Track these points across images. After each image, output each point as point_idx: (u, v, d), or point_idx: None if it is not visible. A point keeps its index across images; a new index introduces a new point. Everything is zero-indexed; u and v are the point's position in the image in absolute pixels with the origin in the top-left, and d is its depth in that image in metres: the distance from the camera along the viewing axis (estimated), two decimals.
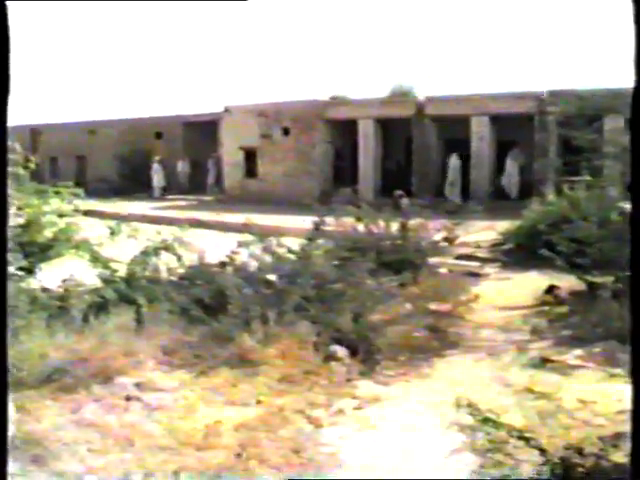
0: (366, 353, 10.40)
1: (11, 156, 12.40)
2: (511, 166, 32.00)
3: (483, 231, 19.54)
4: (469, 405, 6.76)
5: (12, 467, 6.74)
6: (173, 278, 12.41)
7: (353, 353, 10.35)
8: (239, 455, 7.26)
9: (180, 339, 10.50)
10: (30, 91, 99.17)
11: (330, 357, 10.16)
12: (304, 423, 8.15)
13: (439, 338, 11.21)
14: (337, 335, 10.68)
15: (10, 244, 11.08)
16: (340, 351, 10.29)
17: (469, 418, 6.80)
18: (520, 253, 17.59)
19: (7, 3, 4.70)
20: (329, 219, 14.29)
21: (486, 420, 6.59)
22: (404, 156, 35.07)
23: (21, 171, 12.41)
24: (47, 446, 7.26)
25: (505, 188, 31.82)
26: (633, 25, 4.59)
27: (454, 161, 32.93)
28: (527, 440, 6.37)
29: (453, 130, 33.14)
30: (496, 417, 6.60)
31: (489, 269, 17.21)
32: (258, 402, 8.70)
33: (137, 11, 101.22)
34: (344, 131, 36.08)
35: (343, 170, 36.26)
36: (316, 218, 13.96)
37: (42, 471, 6.86)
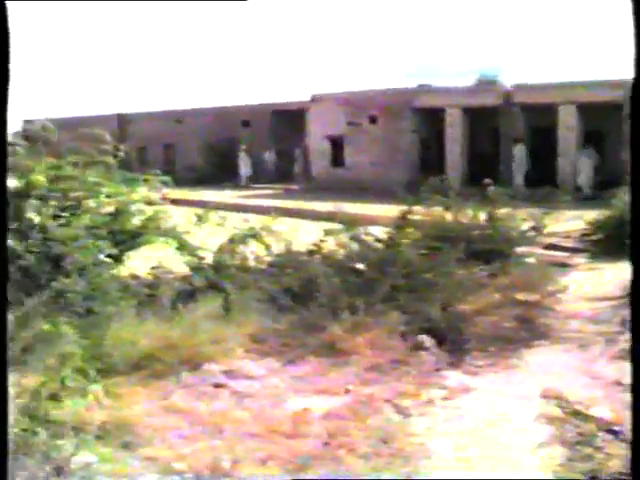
0: (455, 343, 10.35)
1: (101, 145, 12.60)
2: (585, 164, 31.51)
3: (572, 221, 19.29)
4: (557, 397, 6.70)
5: (103, 452, 6.89)
6: (261, 266, 12.47)
7: (442, 343, 10.31)
8: (327, 444, 7.27)
9: (268, 327, 10.56)
10: (119, 81, 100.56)
11: (419, 347, 10.13)
12: (392, 413, 8.14)
13: (528, 329, 11.09)
14: (426, 325, 10.65)
15: (100, 232, 11.27)
16: (429, 341, 10.26)
17: (558, 410, 6.73)
18: (609, 243, 17.30)
19: (7, 3, 4.74)
20: (417, 208, 14.21)
21: (575, 413, 6.52)
22: (491, 145, 34.74)
23: (110, 160, 12.59)
24: (137, 432, 7.36)
25: (580, 185, 31.38)
26: (633, 25, 4.52)
27: (519, 149, 32.66)
28: (616, 433, 6.28)
29: (540, 119, 32.73)
30: (585, 409, 6.52)
31: (578, 259, 16.99)
32: (347, 391, 8.72)
33: None
34: (431, 120, 35.86)
35: (430, 159, 36.03)
36: (404, 207, 13.90)
37: (132, 457, 6.95)
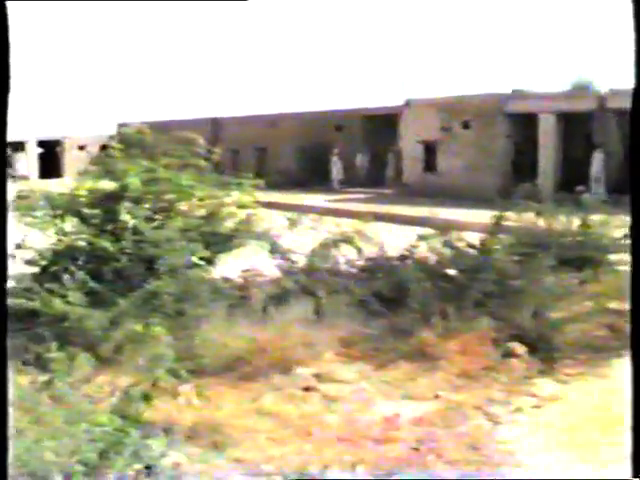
0: (545, 351, 10.23)
1: (194, 148, 12.72)
2: None
3: None
4: None
5: (192, 452, 6.95)
6: (353, 270, 12.46)
7: (532, 350, 10.19)
8: (416, 449, 7.24)
9: (359, 331, 10.56)
10: (213, 84, 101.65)
11: (509, 354, 10.04)
12: (482, 420, 8.08)
13: (619, 338, 10.87)
14: (516, 332, 10.54)
15: (192, 234, 11.38)
16: (519, 348, 10.16)
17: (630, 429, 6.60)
18: None
19: (7, 3, 4.76)
20: (509, 214, 14.07)
21: None
22: (584, 151, 34.26)
23: (203, 163, 12.70)
24: (226, 433, 7.41)
25: None
26: (633, 25, 4.42)
27: (597, 156, 32.14)
28: None
29: None
30: None
31: None
32: (436, 397, 8.68)
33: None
34: (524, 125, 35.47)
35: (523, 165, 35.65)
36: (496, 212, 13.78)
37: (221, 457, 7.01)
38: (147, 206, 11.91)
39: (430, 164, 38.74)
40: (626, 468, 6.75)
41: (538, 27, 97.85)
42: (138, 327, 8.93)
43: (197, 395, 7.90)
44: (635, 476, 4.53)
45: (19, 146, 53.50)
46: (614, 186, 31.10)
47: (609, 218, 15.06)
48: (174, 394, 7.20)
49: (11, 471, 5.53)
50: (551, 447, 7.43)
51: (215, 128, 50.73)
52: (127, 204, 11.71)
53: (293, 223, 12.86)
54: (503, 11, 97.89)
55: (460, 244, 12.92)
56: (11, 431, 5.88)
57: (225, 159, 45.11)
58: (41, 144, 54.45)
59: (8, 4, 4.84)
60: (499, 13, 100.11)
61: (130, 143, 12.96)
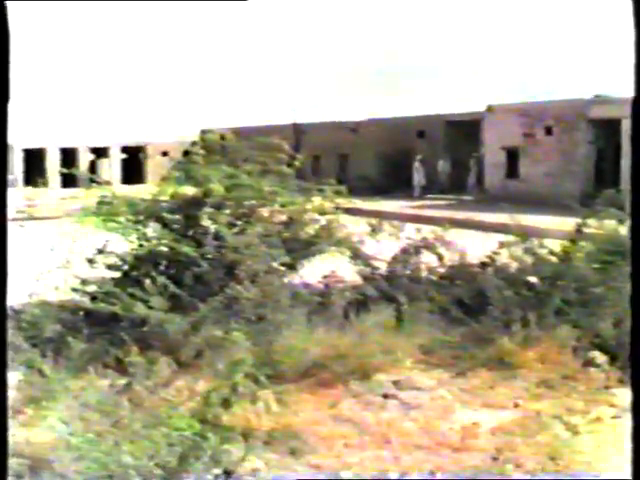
0: (626, 360, 10.04)
1: (277, 154, 12.75)
2: None
3: None
4: None
5: (270, 458, 6.95)
6: (433, 277, 12.38)
7: (612, 360, 10.01)
8: (495, 458, 7.16)
9: (439, 339, 10.50)
10: (296, 90, 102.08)
11: (589, 363, 9.89)
12: (561, 429, 7.96)
13: None
14: (597, 341, 10.39)
15: (273, 240, 11.41)
16: (599, 357, 10.00)
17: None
18: None
19: (7, 3, 4.76)
20: (591, 221, 13.86)
21: None
22: None
23: (286, 169, 12.72)
24: (304, 439, 7.40)
25: None
26: (633, 25, 4.30)
27: None
28: None
29: None
30: None
31: None
32: (515, 405, 8.59)
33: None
34: (607, 131, 35.04)
35: (605, 171, 35.20)
36: (577, 220, 13.58)
37: (299, 463, 7.00)
38: (228, 212, 11.98)
39: (512, 170, 38.47)
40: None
41: (621, 30, 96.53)
42: (218, 332, 8.99)
43: (276, 401, 7.90)
44: (635, 476, 4.44)
45: (102, 152, 54.34)
46: None
47: None
48: (253, 400, 7.20)
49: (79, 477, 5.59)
50: (630, 458, 7.29)
51: (297, 134, 50.89)
52: (208, 210, 11.80)
53: (374, 229, 12.82)
54: (585, 15, 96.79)
55: (541, 251, 12.75)
56: (90, 435, 5.95)
57: (307, 165, 45.33)
58: (124, 150, 55.16)
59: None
60: (581, 17, 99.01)
61: (212, 149, 13.05)
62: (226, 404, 6.65)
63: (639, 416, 4.45)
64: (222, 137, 14.59)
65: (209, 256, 11.03)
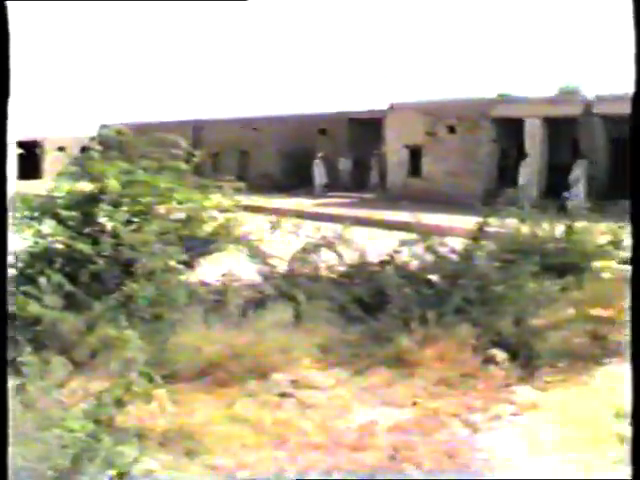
0: (525, 358, 10.25)
1: (174, 151, 12.72)
2: None
3: None
4: (629, 416, 6.56)
5: (165, 459, 6.94)
6: (333, 276, 12.46)
7: (512, 357, 10.22)
8: (393, 457, 7.25)
9: (338, 337, 10.56)
10: (196, 86, 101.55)
11: (489, 361, 10.07)
12: (460, 427, 8.09)
13: (600, 346, 10.91)
14: (497, 339, 10.58)
15: (171, 237, 11.37)
16: (499, 355, 10.19)
17: (629, 430, 6.61)
18: None
19: (7, 3, 4.78)
20: (493, 220, 14.10)
21: None
22: (570, 156, 34.32)
23: (183, 166, 12.69)
24: (200, 439, 7.40)
25: None
26: (633, 25, 4.51)
27: (579, 162, 32.48)
28: None
29: (622, 130, 32.33)
30: None
31: None
32: (414, 404, 8.70)
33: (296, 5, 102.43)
34: (510, 130, 35.57)
35: (508, 170, 35.73)
36: (479, 219, 13.80)
37: (194, 464, 7.00)
38: (125, 209, 11.89)
39: (414, 169, 38.81)
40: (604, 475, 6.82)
41: (524, 31, 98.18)
42: (112, 331, 8.93)
43: (171, 401, 7.89)
44: (635, 476, 4.58)
45: None
46: (600, 192, 31.21)
47: (593, 225, 15.10)
48: (147, 400, 7.18)
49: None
50: (528, 456, 7.45)
51: (196, 131, 50.69)
52: (105, 206, 11.70)
53: (274, 227, 12.87)
54: (490, 14, 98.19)
55: (442, 250, 12.94)
56: None
57: (206, 162, 45.14)
58: (20, 145, 54.26)
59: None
60: (486, 16, 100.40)
61: (110, 145, 12.95)
62: (120, 404, 6.62)
63: (639, 416, 4.55)
64: (119, 132, 14.48)
65: (105, 254, 10.94)
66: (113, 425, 6.58)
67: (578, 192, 31.46)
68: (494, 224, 14.07)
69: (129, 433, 6.71)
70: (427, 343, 10.20)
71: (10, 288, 10.15)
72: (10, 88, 4.95)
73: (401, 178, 39.26)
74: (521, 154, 33.53)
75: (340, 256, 12.58)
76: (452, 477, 7.08)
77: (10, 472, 5.26)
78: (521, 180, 33.24)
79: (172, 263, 11.14)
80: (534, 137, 34.20)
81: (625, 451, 7.00)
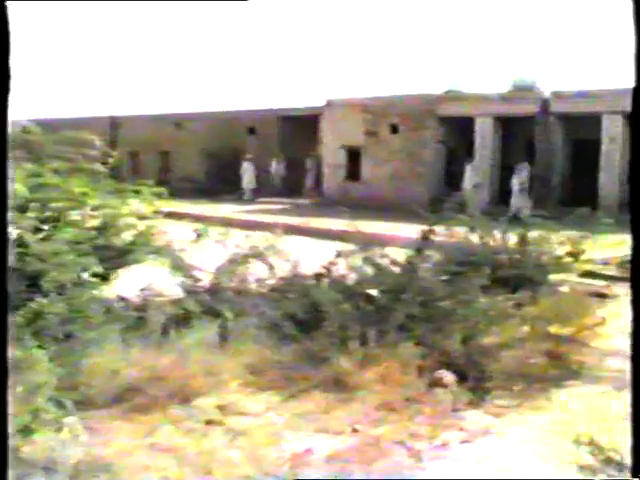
0: (476, 380, 10.30)
1: (89, 151, 12.64)
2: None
3: (614, 246, 19.15)
4: (590, 443, 6.65)
5: None
6: (263, 290, 12.46)
7: (461, 379, 10.27)
8: None
9: (269, 358, 10.55)
10: (114, 81, 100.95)
11: (436, 383, 10.10)
12: (404, 456, 8.12)
13: (559, 366, 11.03)
14: (444, 359, 10.61)
15: (84, 247, 11.28)
16: (447, 377, 10.22)
17: (589, 458, 6.69)
18: None
19: (7, 3, 4.83)
20: (439, 228, 14.17)
21: (609, 461, 6.47)
22: (525, 158, 34.62)
23: (99, 167, 12.61)
24: (117, 472, 7.36)
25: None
26: (633, 25, 4.70)
27: (521, 168, 32.90)
28: None
29: (581, 130, 32.72)
30: (620, 458, 6.47)
31: (619, 289, 16.87)
32: (353, 431, 8.70)
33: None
34: (458, 130, 35.86)
35: (456, 173, 35.95)
36: (425, 227, 13.86)
37: None
38: (33, 215, 11.79)
39: (353, 172, 38.98)
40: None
41: (474, 22, 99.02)
42: (18, 352, 8.84)
43: (84, 429, 7.83)
44: (634, 476, 4.70)
45: None
46: (557, 198, 31.49)
47: (550, 234, 15.23)
48: (58, 428, 7.13)
49: None
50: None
51: (113, 128, 50.49)
52: (10, 213, 11.59)
53: (198, 236, 12.82)
54: (436, 4, 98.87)
55: (383, 261, 12.99)
56: None
57: (124, 163, 44.92)
58: None
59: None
60: (432, 7, 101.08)
61: (15, 144, 12.83)
62: (26, 433, 6.56)
63: (639, 415, 4.67)
64: (26, 131, 14.36)
65: (10, 265, 10.83)
66: (18, 456, 6.52)
67: (522, 199, 31.71)
68: (441, 233, 14.16)
69: (36, 465, 6.65)
70: (367, 364, 10.22)
71: None
72: (10, 87, 5.12)
73: (339, 182, 39.41)
74: (470, 156, 33.83)
75: (271, 268, 12.58)
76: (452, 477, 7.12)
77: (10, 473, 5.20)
78: (467, 184, 33.49)
79: (86, 276, 11.07)
80: (485, 137, 34.49)
81: None
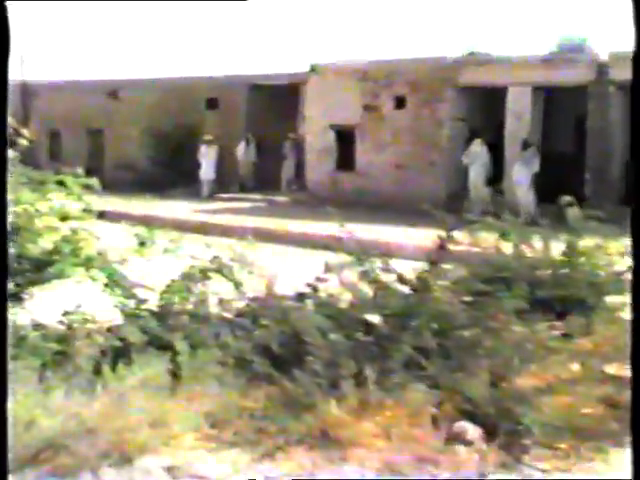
0: (509, 435, 10.26)
1: None
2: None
3: None
4: None
5: None
6: (228, 315, 12.46)
7: (490, 434, 10.24)
8: None
9: (235, 404, 10.53)
10: (22, 36, 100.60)
11: (456, 438, 10.08)
12: None
13: (619, 418, 10.97)
14: (467, 407, 10.59)
15: None
16: (471, 430, 10.20)
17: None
18: None
19: (7, 3, 4.98)
20: (460, 234, 14.16)
21: None
22: (574, 142, 34.51)
23: (7, 151, 12.59)
24: None
25: None
26: (633, 25, 4.93)
27: (525, 154, 32.92)
28: None
29: None
30: None
31: None
32: None
33: None
34: (485, 104, 35.78)
35: None
36: (440, 232, 13.85)
37: None
38: None
39: (346, 159, 39.00)
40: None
41: None
42: None
43: None
44: (635, 476, 4.94)
45: None
46: (615, 194, 31.28)
47: (607, 243, 15.17)
48: None
49: None
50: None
51: (26, 98, 50.25)
52: None
53: (142, 244, 12.82)
54: None
55: (386, 278, 12.99)
56: None
57: (41, 145, 44.81)
58: None
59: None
60: None
61: None
62: None
63: (639, 415, 4.90)
64: None
65: None
66: None
67: (531, 198, 31.60)
68: (463, 241, 14.15)
69: None
70: (365, 412, 10.22)
71: None
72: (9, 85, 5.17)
73: (326, 172, 39.42)
74: (501, 139, 33.69)
75: (239, 286, 12.58)
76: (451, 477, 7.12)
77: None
78: (472, 176, 33.35)
79: None
80: (520, 113, 34.35)
81: None
